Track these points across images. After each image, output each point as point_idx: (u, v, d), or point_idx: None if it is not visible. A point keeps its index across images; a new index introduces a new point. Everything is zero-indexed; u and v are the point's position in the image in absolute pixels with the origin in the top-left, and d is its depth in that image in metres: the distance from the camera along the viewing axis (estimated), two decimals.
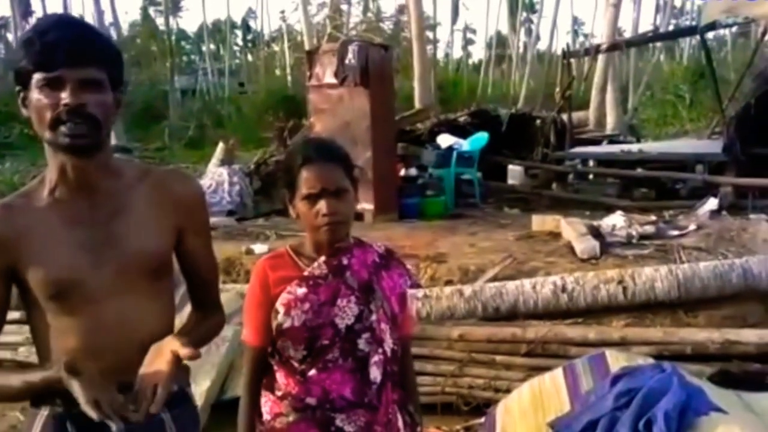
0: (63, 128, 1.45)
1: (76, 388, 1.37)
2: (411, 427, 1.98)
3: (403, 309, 1.98)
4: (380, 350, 1.88)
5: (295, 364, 1.86)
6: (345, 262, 1.90)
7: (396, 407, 1.94)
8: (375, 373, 1.86)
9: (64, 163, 1.53)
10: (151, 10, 48.98)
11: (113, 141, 19.54)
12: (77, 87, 1.44)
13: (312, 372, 1.85)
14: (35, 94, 1.46)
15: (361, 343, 1.86)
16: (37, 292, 1.54)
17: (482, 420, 3.72)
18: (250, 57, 57.12)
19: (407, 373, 2.07)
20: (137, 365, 1.59)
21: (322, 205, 1.82)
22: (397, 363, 1.95)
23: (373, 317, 1.88)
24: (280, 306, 1.84)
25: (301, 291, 1.85)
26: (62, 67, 1.44)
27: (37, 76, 1.45)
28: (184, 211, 1.70)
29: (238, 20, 61.32)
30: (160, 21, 40.57)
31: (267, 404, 1.92)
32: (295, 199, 1.87)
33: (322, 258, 1.89)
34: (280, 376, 1.90)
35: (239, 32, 61.30)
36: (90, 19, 24.48)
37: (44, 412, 1.59)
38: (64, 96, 1.43)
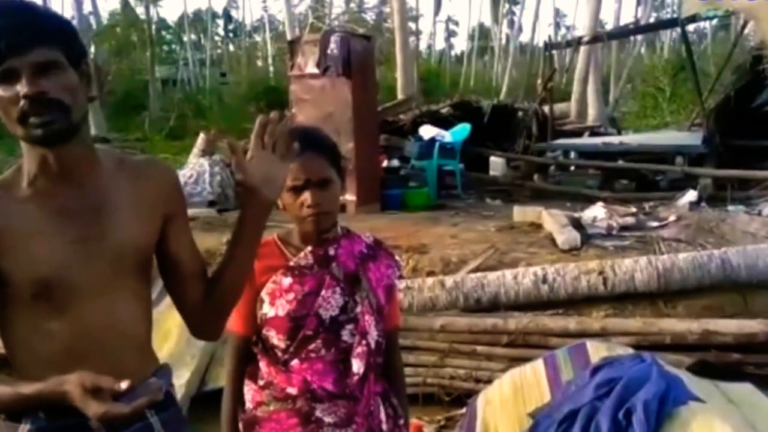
0: (31, 120, 1.35)
1: (84, 404, 1.29)
2: (394, 420, 1.97)
3: (390, 301, 1.97)
4: (364, 342, 1.86)
5: (278, 354, 1.85)
6: (331, 252, 1.88)
7: (379, 399, 1.93)
8: (357, 365, 1.85)
9: (44, 154, 1.42)
10: None
11: (93, 131, 19.40)
12: (32, 74, 1.33)
13: (294, 362, 1.84)
14: None
15: (345, 335, 1.85)
16: (20, 290, 1.41)
17: (463, 410, 3.73)
18: (231, 47, 56.84)
19: (395, 365, 2.06)
20: (127, 368, 1.51)
21: (306, 196, 1.81)
22: (381, 355, 1.93)
23: (358, 309, 1.86)
24: (265, 295, 1.83)
25: (286, 281, 1.83)
26: (10, 57, 1.32)
27: None
28: (167, 198, 1.60)
29: (220, 10, 61.02)
30: (140, 10, 40.06)
31: (249, 393, 1.91)
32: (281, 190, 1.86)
33: (308, 248, 1.87)
34: (263, 365, 1.89)
35: (220, 22, 60.90)
36: (69, 8, 24.20)
37: (25, 426, 1.46)
38: (20, 87, 1.32)
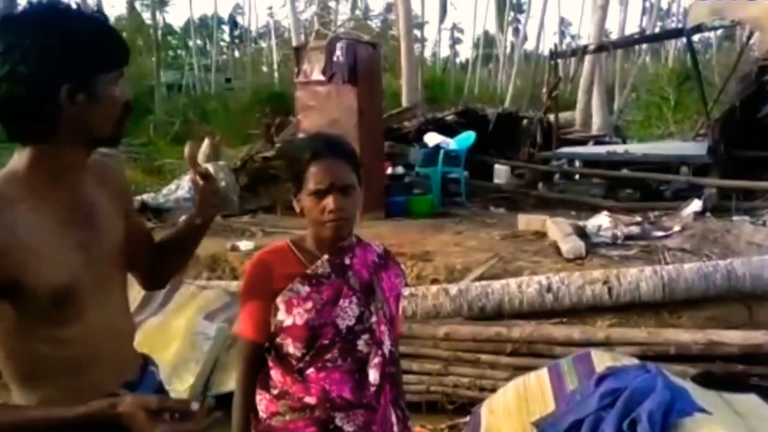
0: (124, 123, 1.52)
1: (146, 425, 1.30)
2: (403, 422, 1.97)
3: (398, 309, 1.98)
4: (379, 352, 1.86)
5: (293, 362, 1.83)
6: (347, 261, 1.87)
7: (390, 404, 1.93)
8: (374, 375, 1.84)
9: (74, 158, 1.48)
10: (138, 4, 48.63)
11: None
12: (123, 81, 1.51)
13: (310, 371, 1.82)
14: (110, 91, 1.46)
15: (361, 344, 1.84)
16: (39, 300, 1.41)
17: (467, 419, 3.72)
18: (236, 53, 56.98)
19: (396, 369, 2.05)
20: (128, 362, 1.62)
21: (328, 201, 1.79)
22: (394, 364, 1.94)
23: (373, 319, 1.85)
24: (280, 303, 1.81)
25: (304, 289, 1.81)
26: (125, 64, 1.50)
27: (114, 74, 1.47)
28: (124, 195, 1.74)
29: (225, 16, 61.20)
30: (146, 15, 40.31)
31: (262, 403, 1.88)
32: (301, 194, 1.84)
33: (326, 256, 1.86)
34: (276, 374, 1.86)
35: (226, 28, 61.11)
36: None
37: None
38: (126, 92, 1.51)
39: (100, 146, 1.53)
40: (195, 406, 1.31)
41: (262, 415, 1.88)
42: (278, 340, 1.84)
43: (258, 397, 1.90)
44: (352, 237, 1.93)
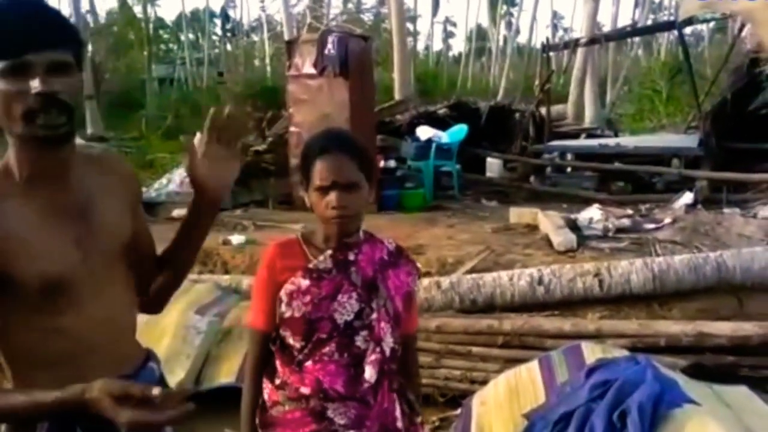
0: (38, 120, 1.34)
1: (111, 411, 1.28)
2: (409, 418, 1.97)
3: (409, 308, 1.98)
4: (378, 349, 1.86)
5: (294, 353, 1.86)
6: (351, 257, 1.88)
7: (395, 395, 1.93)
8: (370, 373, 1.84)
9: (38, 155, 1.43)
10: None
11: (89, 130, 19.32)
12: (45, 72, 1.33)
13: (308, 363, 1.85)
14: None
15: (359, 340, 1.85)
16: (29, 292, 1.42)
17: (458, 411, 3.73)
18: (229, 47, 56.74)
19: (410, 370, 2.06)
20: (127, 357, 1.62)
21: (331, 198, 1.80)
22: (396, 362, 1.93)
23: (374, 316, 1.86)
24: (283, 295, 1.84)
25: (304, 283, 1.84)
26: (29, 52, 1.32)
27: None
28: (133, 191, 1.69)
29: (217, 9, 60.90)
30: (137, 9, 40.07)
31: (265, 391, 1.92)
32: (309, 189, 1.86)
33: (328, 252, 1.88)
34: (278, 365, 1.90)
35: (218, 21, 60.83)
36: (66, 6, 24.10)
37: (44, 424, 1.46)
38: (35, 84, 1.32)
39: (46, 146, 1.42)
40: (155, 391, 1.28)
41: (267, 404, 1.92)
42: (281, 331, 1.87)
43: (263, 386, 1.93)
44: (359, 233, 1.93)
